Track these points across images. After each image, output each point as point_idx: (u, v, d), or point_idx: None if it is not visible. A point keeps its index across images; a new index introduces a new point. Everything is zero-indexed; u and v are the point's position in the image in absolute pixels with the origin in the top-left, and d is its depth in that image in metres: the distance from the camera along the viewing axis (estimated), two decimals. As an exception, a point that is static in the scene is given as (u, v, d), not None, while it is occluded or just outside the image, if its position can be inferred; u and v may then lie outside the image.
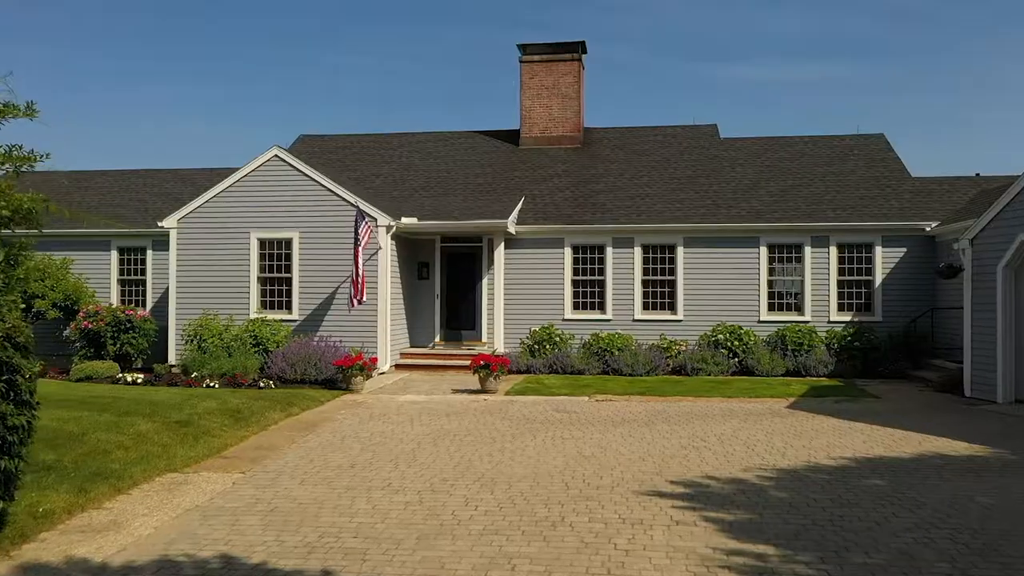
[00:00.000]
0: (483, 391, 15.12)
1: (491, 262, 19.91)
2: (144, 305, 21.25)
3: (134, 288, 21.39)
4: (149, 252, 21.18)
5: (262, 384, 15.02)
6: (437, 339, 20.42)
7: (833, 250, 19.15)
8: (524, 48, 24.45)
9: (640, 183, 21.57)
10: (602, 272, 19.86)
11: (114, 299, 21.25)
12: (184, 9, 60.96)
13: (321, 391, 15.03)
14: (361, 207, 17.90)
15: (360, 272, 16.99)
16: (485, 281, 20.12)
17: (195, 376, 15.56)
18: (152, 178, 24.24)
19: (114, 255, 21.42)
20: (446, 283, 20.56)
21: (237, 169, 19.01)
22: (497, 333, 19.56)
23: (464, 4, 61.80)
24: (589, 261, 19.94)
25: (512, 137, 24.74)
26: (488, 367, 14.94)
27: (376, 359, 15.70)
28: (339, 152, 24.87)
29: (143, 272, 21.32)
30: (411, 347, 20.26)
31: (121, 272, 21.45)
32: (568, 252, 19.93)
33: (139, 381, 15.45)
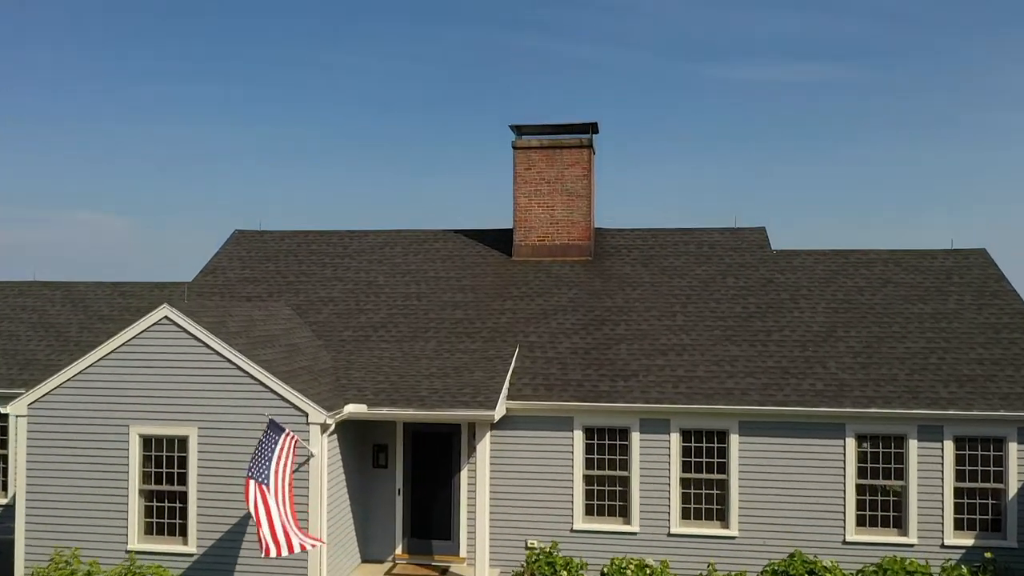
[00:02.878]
0: None
1: (473, 448, 14.46)
2: (5, 488, 15.77)
3: (-8, 467, 15.88)
4: (12, 421, 15.66)
5: None
6: (399, 550, 14.94)
7: (948, 445, 13.76)
8: (519, 129, 18.96)
9: (674, 326, 16.10)
10: (625, 466, 14.43)
11: (-35, 481, 15.75)
12: (179, 9, 55.81)
13: None
14: (283, 394, 12.45)
15: (281, 511, 11.50)
16: (464, 473, 14.67)
17: None
18: (36, 298, 18.65)
19: (-34, 421, 15.90)
20: (411, 474, 15.08)
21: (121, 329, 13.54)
22: (481, 547, 14.03)
23: (463, 3, 56.72)
24: (608, 450, 14.50)
25: (504, 241, 19.26)
26: None
27: None
28: (281, 259, 19.34)
29: (3, 445, 15.80)
30: (364, 562, 14.80)
31: (-25, 445, 15.93)
32: (579, 437, 14.49)
33: None
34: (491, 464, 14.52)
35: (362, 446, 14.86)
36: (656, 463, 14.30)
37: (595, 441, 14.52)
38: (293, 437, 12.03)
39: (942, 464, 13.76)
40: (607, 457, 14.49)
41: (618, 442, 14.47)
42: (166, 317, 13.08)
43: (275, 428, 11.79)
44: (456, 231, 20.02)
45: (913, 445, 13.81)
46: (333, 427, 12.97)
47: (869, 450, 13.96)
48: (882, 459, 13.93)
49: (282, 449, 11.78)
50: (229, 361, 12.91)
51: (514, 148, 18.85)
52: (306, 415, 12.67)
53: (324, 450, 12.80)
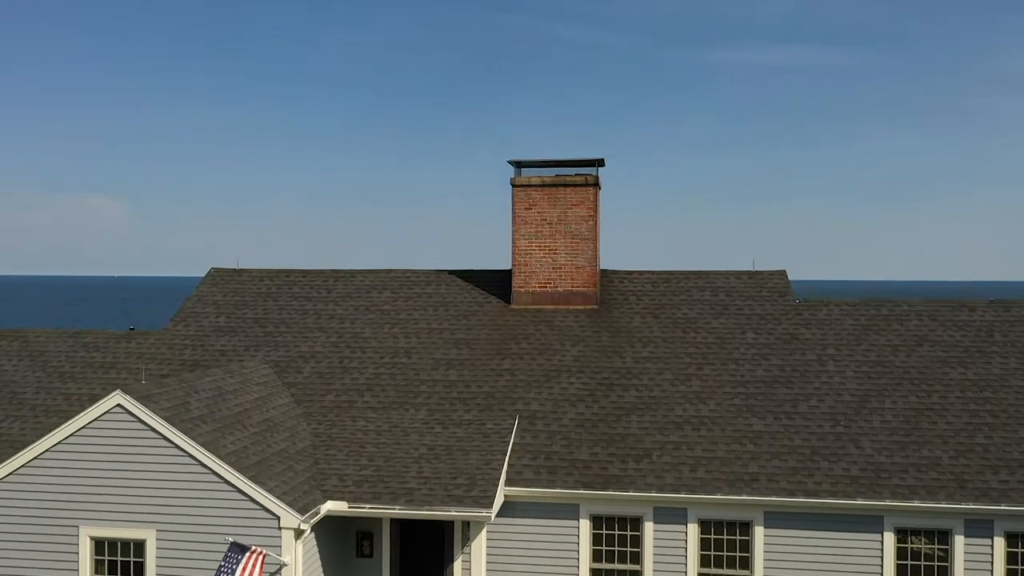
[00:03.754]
0: None
1: (467, 538, 12.99)
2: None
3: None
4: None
5: None
6: (385, 649, 13.50)
7: (999, 542, 12.31)
8: (518, 165, 17.37)
9: (689, 393, 14.60)
10: (637, 559, 12.96)
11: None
12: None
13: None
14: (251, 495, 10.95)
15: None
16: (458, 564, 13.20)
17: None
18: (-10, 350, 17.03)
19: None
20: (400, 564, 13.62)
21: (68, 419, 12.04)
22: (476, 648, 12.63)
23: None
24: (618, 540, 13.03)
25: (502, 284, 17.71)
26: None
27: None
28: (259, 304, 17.78)
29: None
30: (346, 663, 13.37)
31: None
32: (585, 526, 13.02)
33: None
34: (487, 555, 13.05)
35: (344, 534, 13.39)
36: (672, 557, 12.84)
37: (603, 531, 13.05)
38: (259, 554, 10.54)
39: (991, 562, 12.32)
40: (617, 549, 13.02)
41: (629, 532, 13.00)
42: (119, 405, 11.55)
43: (237, 550, 10.31)
44: (450, 272, 18.45)
45: (959, 541, 12.35)
46: (308, 532, 11.48)
47: (909, 545, 12.50)
48: (924, 556, 12.48)
49: (244, 569, 10.30)
50: (191, 456, 11.41)
51: (513, 186, 17.28)
52: (278, 519, 11.18)
53: (298, 558, 11.31)
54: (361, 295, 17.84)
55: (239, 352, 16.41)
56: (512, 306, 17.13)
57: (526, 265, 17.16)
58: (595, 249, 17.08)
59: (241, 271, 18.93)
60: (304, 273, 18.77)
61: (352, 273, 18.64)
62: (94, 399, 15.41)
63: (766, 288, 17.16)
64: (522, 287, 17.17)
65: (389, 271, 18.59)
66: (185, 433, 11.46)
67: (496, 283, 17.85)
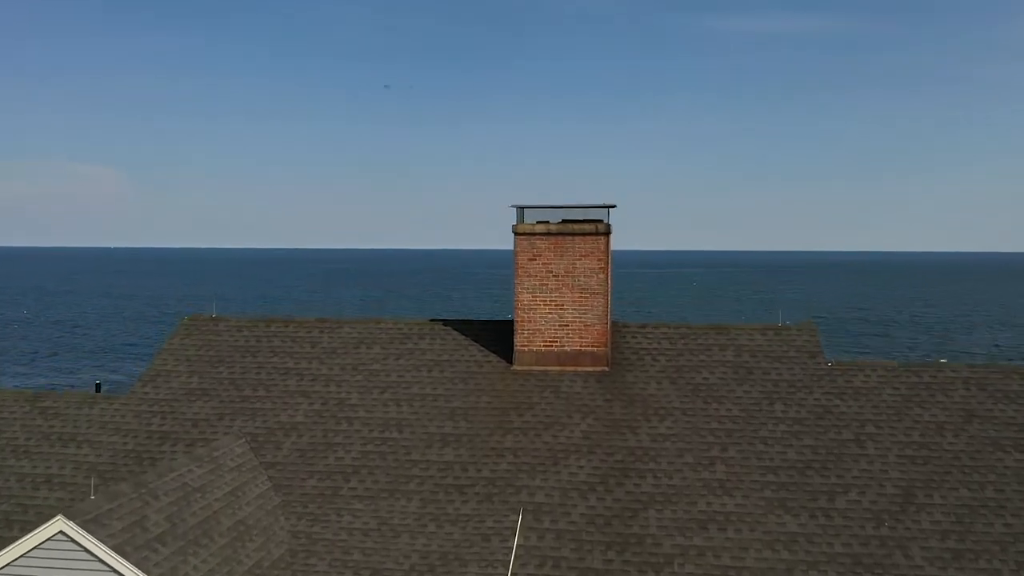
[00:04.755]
0: None
1: (465, 658, 11.50)
2: None
3: None
4: None
5: None
6: None
7: (1069, 674, 10.84)
8: (521, 212, 15.69)
9: (712, 481, 13.05)
10: None
11: None
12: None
13: None
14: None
15: None
16: None
17: None
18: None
19: None
20: None
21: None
22: None
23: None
24: (634, 663, 11.55)
25: (503, 340, 16.10)
26: None
27: None
28: (236, 362, 16.16)
29: None
30: None
31: None
32: (598, 648, 11.54)
33: None
34: (488, 676, 11.58)
35: (327, 650, 11.89)
36: None
37: (619, 653, 11.59)
38: None
39: None
40: (633, 672, 11.56)
41: (647, 655, 11.53)
42: (61, 532, 9.99)
43: None
44: (445, 323, 16.83)
45: (1023, 672, 10.89)
46: None
47: (967, 676, 11.04)
48: None
49: None
50: (144, 591, 9.87)
51: (516, 234, 15.61)
52: (246, 667, 9.68)
53: None
54: (348, 350, 16.23)
55: (212, 422, 14.83)
56: (514, 367, 15.54)
57: (530, 322, 15.54)
58: (606, 304, 15.45)
59: (217, 319, 17.30)
60: (286, 323, 17.15)
61: (339, 323, 17.03)
62: (50, 480, 14.04)
63: (794, 347, 15.56)
64: (525, 345, 15.56)
65: (378, 321, 16.99)
66: (138, 565, 9.92)
67: (496, 337, 16.25)
